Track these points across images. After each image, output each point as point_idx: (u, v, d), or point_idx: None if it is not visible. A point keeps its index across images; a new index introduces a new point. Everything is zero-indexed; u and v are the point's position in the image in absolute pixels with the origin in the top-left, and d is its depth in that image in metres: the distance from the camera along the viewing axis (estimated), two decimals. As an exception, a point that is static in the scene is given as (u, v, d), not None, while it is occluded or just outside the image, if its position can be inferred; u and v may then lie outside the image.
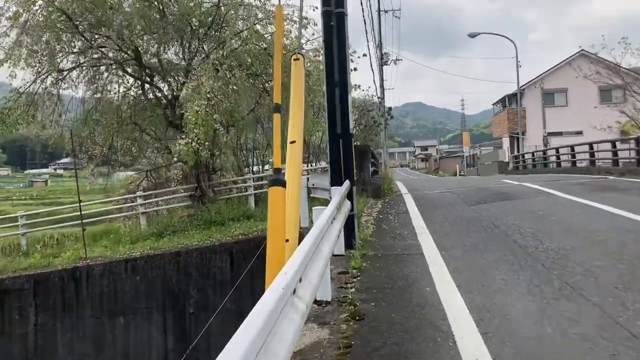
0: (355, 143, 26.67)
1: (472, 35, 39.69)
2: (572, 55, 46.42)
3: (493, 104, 55.23)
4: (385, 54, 47.60)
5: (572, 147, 24.98)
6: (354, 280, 5.83)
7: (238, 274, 9.24)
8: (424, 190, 16.14)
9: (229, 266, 10.08)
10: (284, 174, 4.01)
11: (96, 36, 13.16)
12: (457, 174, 64.74)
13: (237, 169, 15.90)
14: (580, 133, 43.97)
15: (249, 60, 13.59)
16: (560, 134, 43.66)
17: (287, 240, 3.61)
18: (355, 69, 23.13)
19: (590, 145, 22.60)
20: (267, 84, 13.95)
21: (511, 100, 49.65)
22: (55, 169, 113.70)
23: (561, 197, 11.64)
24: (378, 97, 32.64)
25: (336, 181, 7.42)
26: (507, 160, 46.00)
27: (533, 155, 33.34)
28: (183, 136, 11.69)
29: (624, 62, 25.18)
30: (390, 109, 31.33)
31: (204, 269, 10.23)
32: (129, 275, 10.95)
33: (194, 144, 11.36)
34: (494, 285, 5.28)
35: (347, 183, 7.23)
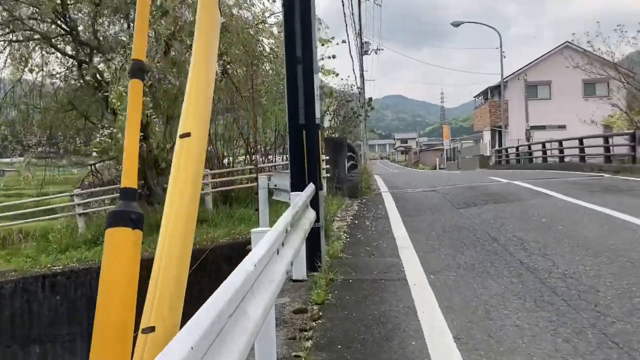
0: (333, 134, 25.17)
1: (456, 24, 38.33)
2: (556, 47, 45.45)
3: (475, 97, 54.14)
4: (365, 43, 46.08)
5: (560, 142, 23.74)
6: (314, 324, 4.27)
7: (193, 290, 7.74)
8: (405, 189, 14.66)
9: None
10: (139, 194, 2.47)
11: (22, 5, 11.28)
12: (437, 168, 63.68)
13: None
14: (563, 127, 43.10)
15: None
16: (543, 127, 42.71)
17: (150, 329, 2.02)
18: (333, 56, 21.61)
19: (581, 140, 21.35)
20: (230, 66, 12.26)
21: (493, 93, 48.53)
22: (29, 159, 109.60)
23: (561, 200, 10.24)
24: (358, 87, 31.06)
25: (297, 185, 5.84)
26: (488, 154, 44.94)
27: (517, 150, 32.13)
28: (107, 125, 9.95)
29: (618, 52, 23.85)
30: (370, 99, 29.81)
31: (139, 287, 8.49)
32: (47, 295, 9.14)
33: (120, 135, 9.61)
34: (507, 340, 3.76)
35: (310, 187, 5.66)
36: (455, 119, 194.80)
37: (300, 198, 5.02)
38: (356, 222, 9.17)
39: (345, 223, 9.00)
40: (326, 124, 26.33)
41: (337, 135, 27.54)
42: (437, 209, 10.11)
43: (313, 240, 5.88)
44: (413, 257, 6.38)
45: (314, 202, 5.89)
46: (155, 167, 11.62)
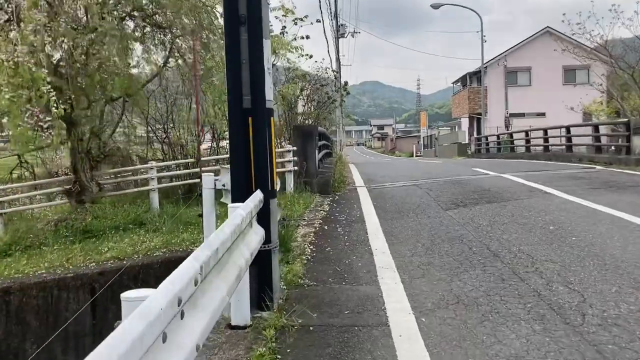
0: (306, 121, 23.59)
1: (436, 7, 36.80)
2: (537, 32, 44.37)
3: (453, 83, 52.94)
4: (341, 25, 44.35)
5: (545, 131, 22.50)
6: None
7: (103, 321, 6.05)
8: (383, 183, 13.15)
9: (89, 311, 6.63)
10: None
11: None
12: (414, 155, 62.58)
13: (145, 154, 12.39)
14: (542, 115, 42.21)
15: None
16: (522, 115, 41.76)
17: None
18: (307, 37, 20.01)
19: (568, 129, 20.12)
20: (178, 41, 10.52)
21: (472, 79, 47.35)
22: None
23: (563, 200, 8.85)
24: (334, 71, 29.36)
25: (239, 191, 4.26)
26: (467, 142, 43.84)
27: (498, 138, 30.92)
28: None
29: (611, 35, 22.54)
30: (346, 83, 28.19)
31: (48, 315, 6.73)
32: None
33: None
34: None
35: (256, 196, 4.08)
36: (431, 105, 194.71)
37: (241, 212, 3.46)
38: (326, 227, 7.62)
39: (313, 229, 7.45)
40: (299, 109, 24.71)
41: (311, 123, 26.02)
42: (422, 210, 8.62)
43: (262, 267, 4.33)
44: (396, 284, 4.87)
45: (264, 215, 4.32)
46: (89, 158, 9.82)
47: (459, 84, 51.63)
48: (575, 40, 43.25)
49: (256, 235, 3.96)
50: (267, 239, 4.30)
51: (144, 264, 6.39)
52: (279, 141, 19.05)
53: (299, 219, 8.04)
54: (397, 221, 7.85)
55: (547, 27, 44.01)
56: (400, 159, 45.67)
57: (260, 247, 4.15)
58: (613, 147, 17.92)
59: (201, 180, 6.58)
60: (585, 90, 40.63)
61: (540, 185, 10.65)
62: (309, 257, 5.95)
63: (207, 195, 6.28)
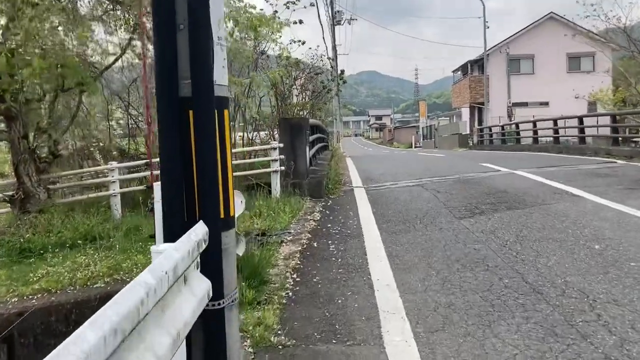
0: (300, 112, 22.18)
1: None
2: (540, 18, 42.83)
3: (453, 71, 51.42)
4: (338, 12, 42.76)
5: (555, 121, 21.07)
6: None
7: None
8: (383, 181, 11.72)
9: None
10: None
11: None
12: (413, 146, 61.20)
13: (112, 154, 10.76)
14: (546, 104, 40.86)
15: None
16: (525, 104, 40.41)
17: None
18: (300, 22, 18.54)
19: (581, 119, 18.71)
20: (145, 20, 9.02)
21: (473, 67, 45.82)
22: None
23: (598, 205, 7.45)
24: (329, 58, 27.82)
25: (172, 225, 2.84)
26: (468, 132, 42.44)
27: (503, 129, 29.47)
28: None
29: (629, 17, 21.06)
30: (342, 72, 26.67)
31: None
32: None
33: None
34: None
35: (196, 232, 2.65)
36: (429, 95, 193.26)
37: (168, 262, 2.06)
38: (315, 244, 6.21)
39: (299, 247, 6.04)
40: (295, 100, 23.22)
41: (305, 114, 24.53)
42: (431, 219, 7.20)
43: (210, 333, 2.93)
44: (407, 344, 3.46)
45: (211, 258, 2.90)
46: (34, 159, 8.32)
47: (459, 72, 50.09)
48: (581, 27, 42.03)
49: (193, 296, 2.54)
50: (219, 293, 2.89)
51: (77, 301, 4.92)
52: (269, 135, 17.62)
53: (284, 233, 6.63)
54: (402, 235, 6.44)
55: (551, 12, 42.52)
56: (399, 151, 44.26)
57: (208, 305, 2.76)
58: (635, 140, 16.57)
59: (152, 189, 5.14)
60: (592, 77, 39.31)
61: (564, 185, 9.26)
62: (290, 294, 4.54)
63: (159, 210, 4.81)
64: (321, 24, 24.24)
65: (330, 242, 6.29)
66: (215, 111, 2.96)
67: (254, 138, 18.47)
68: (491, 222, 6.83)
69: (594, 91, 36.32)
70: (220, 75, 3.00)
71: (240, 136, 20.79)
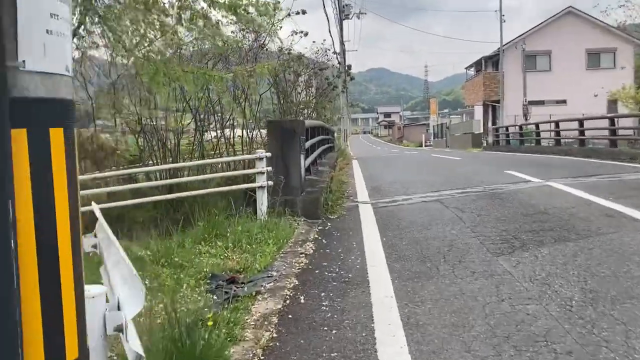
0: (303, 111, 20.67)
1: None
2: (558, 13, 40.84)
3: (466, 68, 49.52)
4: (346, 5, 40.99)
5: (581, 122, 19.24)
6: None
7: None
8: (393, 194, 10.00)
9: None
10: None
11: None
12: (423, 145, 59.42)
13: None
14: (563, 102, 38.97)
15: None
16: (541, 102, 38.49)
17: None
18: (303, 12, 16.90)
19: (612, 120, 16.89)
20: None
21: (487, 64, 43.93)
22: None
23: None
24: (335, 53, 26.08)
25: None
26: (481, 131, 40.61)
27: (521, 129, 27.61)
28: None
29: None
30: (349, 67, 24.94)
31: None
32: None
33: None
34: None
35: None
36: (438, 92, 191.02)
37: None
38: (301, 300, 4.51)
39: (280, 303, 4.35)
40: (300, 97, 21.55)
41: (309, 112, 22.79)
42: (459, 257, 5.48)
43: None
44: None
45: None
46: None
47: (472, 69, 48.20)
48: (602, 21, 40.04)
49: None
50: None
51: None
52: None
53: (263, 277, 4.95)
54: (422, 283, 4.73)
55: (570, 7, 40.49)
56: (409, 151, 42.43)
57: None
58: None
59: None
60: (612, 74, 37.32)
61: (614, 204, 7.53)
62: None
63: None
64: (326, 15, 22.53)
65: (323, 294, 4.59)
66: (25, 132, 1.29)
67: (254, 137, 16.77)
68: (540, 262, 5.11)
69: (614, 89, 34.43)
70: (38, 53, 1.32)
71: (239, 136, 19.15)
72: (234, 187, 7.27)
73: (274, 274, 5.07)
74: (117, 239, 2.42)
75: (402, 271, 5.09)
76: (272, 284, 4.82)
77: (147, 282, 4.87)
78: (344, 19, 40.62)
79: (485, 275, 4.85)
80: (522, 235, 6.17)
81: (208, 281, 4.97)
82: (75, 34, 6.58)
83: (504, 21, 37.36)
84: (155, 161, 10.03)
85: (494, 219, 7.15)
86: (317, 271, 5.19)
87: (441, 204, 8.53)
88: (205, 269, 5.18)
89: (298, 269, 5.27)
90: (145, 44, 6.57)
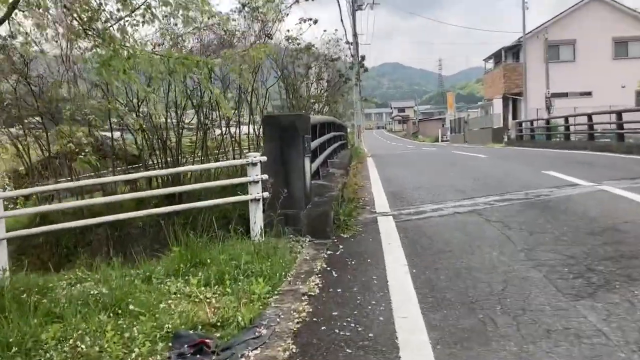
0: (313, 105, 19.25)
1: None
2: (582, 0, 38.72)
3: (484, 60, 47.48)
4: (359, -5, 39.24)
5: (619, 114, 17.50)
6: None
7: None
8: (419, 202, 8.44)
9: None
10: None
11: None
12: (439, 140, 57.67)
13: None
14: (588, 94, 37.00)
15: None
16: (565, 95, 36.56)
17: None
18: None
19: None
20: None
21: (507, 55, 41.96)
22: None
23: None
24: (348, 42, 24.40)
25: None
26: (502, 126, 38.79)
27: (548, 123, 25.81)
28: None
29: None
30: (363, 58, 23.33)
31: None
32: None
33: None
34: None
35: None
36: (452, 86, 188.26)
37: None
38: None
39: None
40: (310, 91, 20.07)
41: (320, 107, 21.24)
42: (521, 304, 3.93)
43: None
44: None
45: None
46: None
47: (490, 61, 46.21)
48: (629, 8, 37.94)
49: None
50: None
51: None
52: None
53: (245, 340, 3.47)
54: (477, 352, 3.21)
55: (596, -7, 38.37)
56: (427, 147, 40.68)
57: None
58: None
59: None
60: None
61: None
62: None
63: None
64: (338, 3, 20.93)
65: (331, 372, 3.10)
66: None
67: (261, 134, 15.35)
68: (637, 317, 3.57)
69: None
70: None
71: (245, 133, 17.68)
72: (218, 200, 5.77)
73: (263, 332, 3.59)
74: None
75: (445, 327, 3.57)
76: (258, 350, 3.33)
77: (82, 347, 3.43)
78: (357, 10, 38.98)
79: (568, 337, 3.31)
80: (597, 266, 4.61)
81: (169, 344, 3.51)
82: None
83: (527, 8, 35.41)
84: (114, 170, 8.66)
85: (552, 239, 5.58)
86: (323, 327, 3.69)
87: (479, 215, 6.98)
88: (168, 324, 3.72)
89: (298, 321, 3.77)
90: (102, 19, 5.19)
